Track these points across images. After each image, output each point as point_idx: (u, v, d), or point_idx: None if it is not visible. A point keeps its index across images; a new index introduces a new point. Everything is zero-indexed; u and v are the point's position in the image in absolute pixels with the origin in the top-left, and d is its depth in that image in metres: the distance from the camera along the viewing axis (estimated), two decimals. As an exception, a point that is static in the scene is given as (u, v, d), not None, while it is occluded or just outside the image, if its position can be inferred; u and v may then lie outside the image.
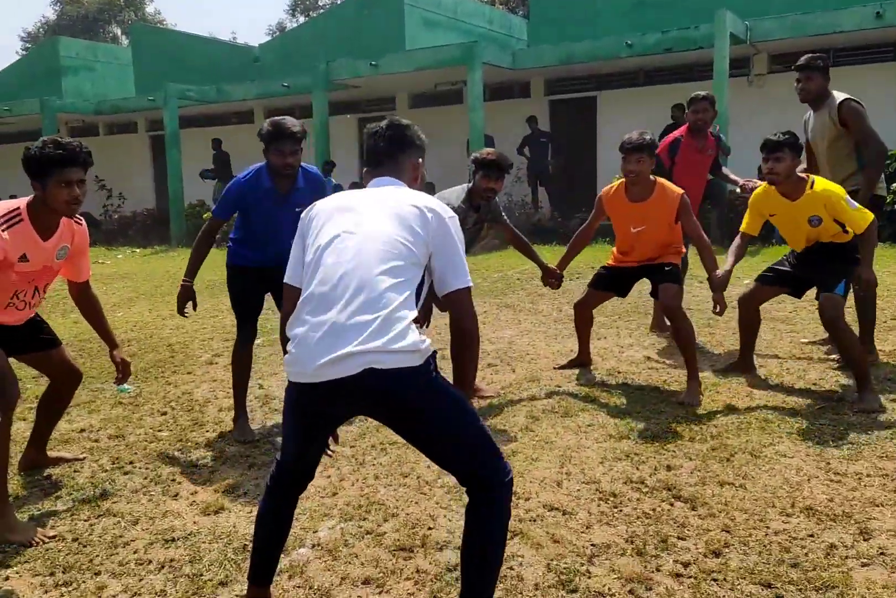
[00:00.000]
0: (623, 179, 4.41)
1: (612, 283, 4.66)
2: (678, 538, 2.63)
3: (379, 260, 2.02)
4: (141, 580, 2.49)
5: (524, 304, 6.96)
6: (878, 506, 2.81)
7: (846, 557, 2.47)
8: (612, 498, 2.96)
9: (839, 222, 4.06)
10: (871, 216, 3.98)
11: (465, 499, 2.94)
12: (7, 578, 2.51)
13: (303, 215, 2.26)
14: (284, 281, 2.23)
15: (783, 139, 3.97)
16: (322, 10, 36.30)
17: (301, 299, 2.08)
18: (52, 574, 2.53)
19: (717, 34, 11.07)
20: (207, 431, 3.93)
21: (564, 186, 13.97)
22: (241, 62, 18.26)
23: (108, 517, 2.94)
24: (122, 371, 3.37)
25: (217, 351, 5.63)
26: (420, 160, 2.35)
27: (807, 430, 3.58)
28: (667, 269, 4.39)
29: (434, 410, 2.01)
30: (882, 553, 2.48)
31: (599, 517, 2.82)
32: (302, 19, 39.90)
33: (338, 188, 13.93)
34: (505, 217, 4.44)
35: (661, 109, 11.19)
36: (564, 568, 2.45)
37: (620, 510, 2.86)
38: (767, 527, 2.68)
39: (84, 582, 2.48)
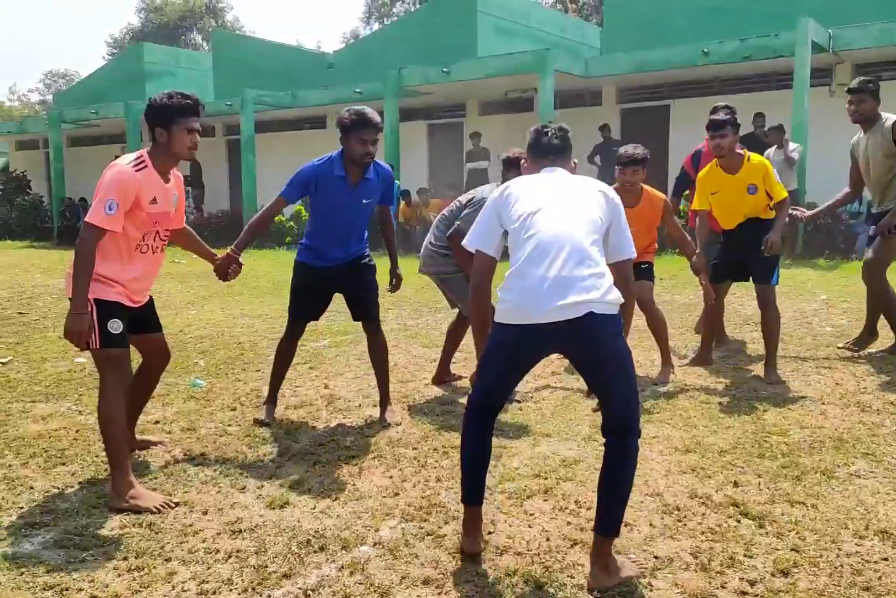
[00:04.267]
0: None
1: None
2: (745, 555, 2.57)
3: (585, 230, 2.50)
4: (209, 568, 2.56)
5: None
6: (958, 533, 2.69)
7: (923, 584, 2.38)
8: (675, 512, 2.91)
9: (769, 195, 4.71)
10: (785, 193, 4.71)
11: (526, 506, 2.96)
12: (83, 560, 2.62)
13: (495, 194, 2.70)
14: (476, 248, 2.66)
15: (726, 118, 4.63)
16: (395, 18, 36.79)
17: (520, 259, 2.49)
18: (125, 559, 2.63)
19: (799, 43, 10.76)
20: (274, 427, 4.02)
21: (634, 196, 13.80)
22: (315, 69, 18.64)
23: (179, 506, 3.04)
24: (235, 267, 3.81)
25: (285, 350, 5.75)
26: (576, 160, 2.95)
27: (883, 451, 3.46)
28: (643, 267, 5.00)
29: (617, 354, 2.44)
30: (962, 582, 2.38)
31: (662, 530, 2.77)
32: (376, 27, 40.50)
33: (405, 194, 14.04)
34: None
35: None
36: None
37: (685, 525, 2.81)
38: (839, 549, 2.60)
39: (155, 568, 2.56)
